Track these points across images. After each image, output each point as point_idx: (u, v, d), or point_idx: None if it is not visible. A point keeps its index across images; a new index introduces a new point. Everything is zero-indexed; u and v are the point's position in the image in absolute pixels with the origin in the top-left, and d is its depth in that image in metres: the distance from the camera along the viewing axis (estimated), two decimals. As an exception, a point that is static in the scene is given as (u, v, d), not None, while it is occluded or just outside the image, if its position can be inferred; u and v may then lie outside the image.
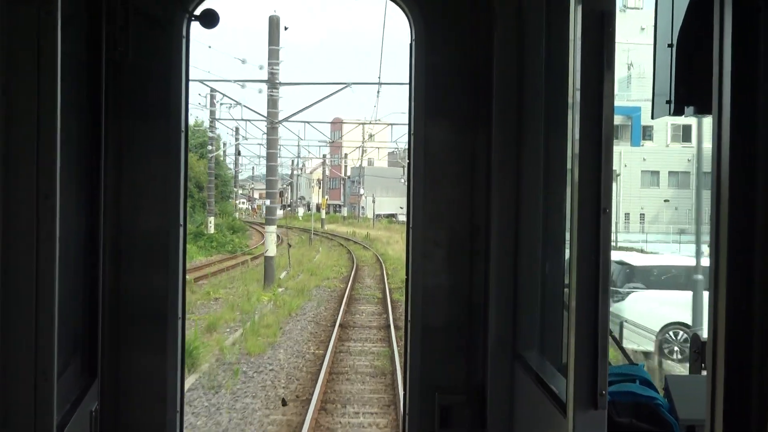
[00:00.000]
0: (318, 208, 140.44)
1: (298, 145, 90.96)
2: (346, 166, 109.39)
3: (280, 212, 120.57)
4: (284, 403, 15.35)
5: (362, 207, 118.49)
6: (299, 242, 60.83)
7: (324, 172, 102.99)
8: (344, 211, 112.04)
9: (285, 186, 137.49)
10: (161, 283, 4.43)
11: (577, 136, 3.09)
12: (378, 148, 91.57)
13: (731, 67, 2.31)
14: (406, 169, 6.66)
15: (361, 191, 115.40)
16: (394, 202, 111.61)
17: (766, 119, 2.33)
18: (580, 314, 3.06)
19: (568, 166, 3.44)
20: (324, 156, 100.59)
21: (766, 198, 2.33)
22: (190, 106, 4.75)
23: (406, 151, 4.91)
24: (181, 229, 4.47)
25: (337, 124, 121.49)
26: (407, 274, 4.66)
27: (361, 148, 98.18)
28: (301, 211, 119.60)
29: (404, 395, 4.74)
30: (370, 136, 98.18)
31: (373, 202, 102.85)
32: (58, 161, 3.00)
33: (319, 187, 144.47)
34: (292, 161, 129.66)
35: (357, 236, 72.46)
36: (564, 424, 3.19)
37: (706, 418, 2.40)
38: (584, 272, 3.05)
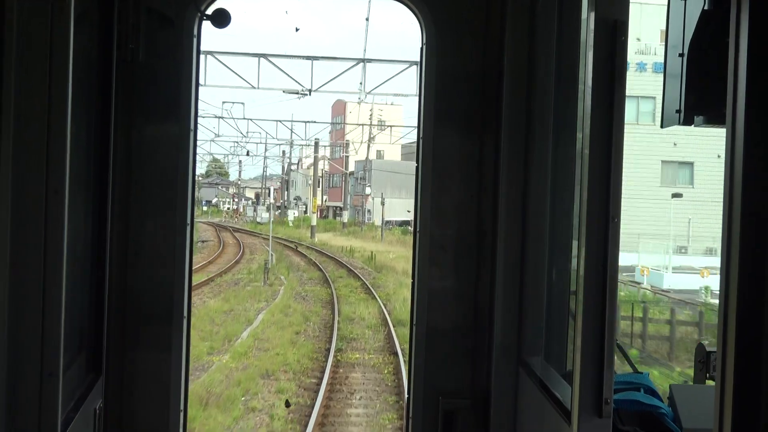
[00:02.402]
0: (319, 211, 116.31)
1: (291, 126, 66.81)
2: (347, 157, 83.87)
3: (265, 215, 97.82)
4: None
5: (368, 210, 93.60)
6: (255, 272, 36.08)
7: (316, 163, 77.70)
8: (345, 216, 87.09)
9: (279, 185, 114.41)
10: (168, 281, 4.41)
11: (587, 144, 3.10)
12: (390, 126, 65.76)
13: (746, 76, 2.30)
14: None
15: (367, 191, 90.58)
16: (409, 205, 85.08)
17: None
18: (587, 322, 3.07)
19: (577, 172, 3.44)
20: (316, 141, 75.26)
21: None
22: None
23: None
24: (188, 228, 4.45)
25: (339, 106, 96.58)
26: (413, 277, 4.61)
27: (366, 129, 73.39)
28: (292, 214, 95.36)
29: (408, 399, 4.67)
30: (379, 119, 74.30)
31: (382, 204, 77.62)
32: (68, 157, 3.01)
33: (318, 185, 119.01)
34: (283, 152, 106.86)
35: (356, 256, 47.77)
36: (568, 431, 3.20)
37: (714, 426, 2.36)
38: (592, 280, 3.07)
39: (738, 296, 2.26)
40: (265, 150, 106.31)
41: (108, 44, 4.09)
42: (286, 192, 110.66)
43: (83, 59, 3.69)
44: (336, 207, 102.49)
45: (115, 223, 4.24)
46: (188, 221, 4.42)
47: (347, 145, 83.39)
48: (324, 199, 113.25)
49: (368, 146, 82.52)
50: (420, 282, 4.51)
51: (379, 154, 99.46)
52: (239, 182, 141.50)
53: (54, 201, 2.95)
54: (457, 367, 4.46)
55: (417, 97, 4.61)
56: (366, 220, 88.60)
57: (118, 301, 4.29)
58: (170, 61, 4.35)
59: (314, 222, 69.16)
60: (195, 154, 4.48)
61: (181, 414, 4.40)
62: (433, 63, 4.47)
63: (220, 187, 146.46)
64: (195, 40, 4.40)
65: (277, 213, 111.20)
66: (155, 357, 4.36)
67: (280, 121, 62.27)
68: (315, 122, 71.17)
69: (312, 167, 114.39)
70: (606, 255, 3.04)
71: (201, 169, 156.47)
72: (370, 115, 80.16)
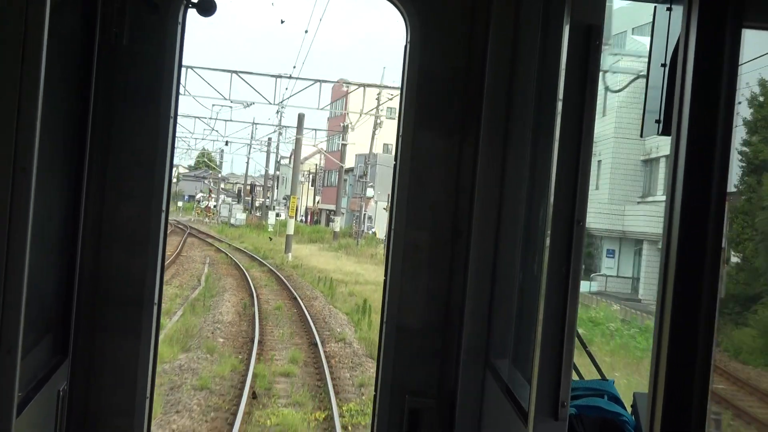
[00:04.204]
0: (309, 215, 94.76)
1: (279, 110, 48.03)
2: (344, 146, 64.05)
3: (240, 216, 79.39)
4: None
5: (369, 217, 73.83)
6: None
7: (298, 147, 56.82)
8: (338, 222, 67.05)
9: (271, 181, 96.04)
10: (139, 267, 4.43)
11: (556, 146, 3.13)
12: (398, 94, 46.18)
13: (691, 91, 2.47)
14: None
15: (369, 192, 71.03)
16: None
17: (722, 151, 2.52)
18: (547, 324, 3.09)
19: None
20: (300, 116, 54.29)
21: (717, 208, 2.51)
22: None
23: None
24: (163, 215, 4.47)
25: (339, 86, 76.55)
26: (386, 274, 4.62)
27: (368, 108, 53.77)
28: (273, 216, 75.86)
29: (375, 396, 4.70)
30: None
31: (386, 209, 57.72)
32: (37, 135, 3.02)
33: (312, 184, 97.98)
34: (269, 139, 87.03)
35: (340, 296, 28.70)
36: None
37: (645, 424, 2.40)
38: (553, 282, 3.08)
39: (673, 300, 2.33)
40: (251, 138, 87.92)
41: (91, 26, 4.14)
42: (273, 190, 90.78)
43: (64, 40, 3.75)
44: (330, 210, 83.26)
45: (89, 205, 4.29)
46: (163, 207, 4.45)
47: (345, 129, 63.41)
48: (316, 201, 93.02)
49: (373, 133, 62.84)
50: (392, 280, 4.54)
51: (387, 148, 79.80)
52: (221, 176, 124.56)
53: (21, 178, 2.97)
54: (424, 366, 4.51)
55: (399, 96, 4.62)
56: (366, 230, 69.05)
57: (88, 284, 4.32)
58: (153, 47, 4.41)
59: (291, 230, 49.19)
60: (174, 140, 4.51)
61: (147, 400, 4.43)
62: (417, 61, 4.52)
63: (206, 182, 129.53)
64: (180, 27, 4.45)
65: (257, 214, 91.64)
66: (124, 341, 4.39)
67: (236, 72, 41.01)
68: (290, 77, 46.38)
69: (310, 161, 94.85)
70: (569, 258, 3.05)
71: (190, 160, 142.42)
72: (378, 96, 60.01)
